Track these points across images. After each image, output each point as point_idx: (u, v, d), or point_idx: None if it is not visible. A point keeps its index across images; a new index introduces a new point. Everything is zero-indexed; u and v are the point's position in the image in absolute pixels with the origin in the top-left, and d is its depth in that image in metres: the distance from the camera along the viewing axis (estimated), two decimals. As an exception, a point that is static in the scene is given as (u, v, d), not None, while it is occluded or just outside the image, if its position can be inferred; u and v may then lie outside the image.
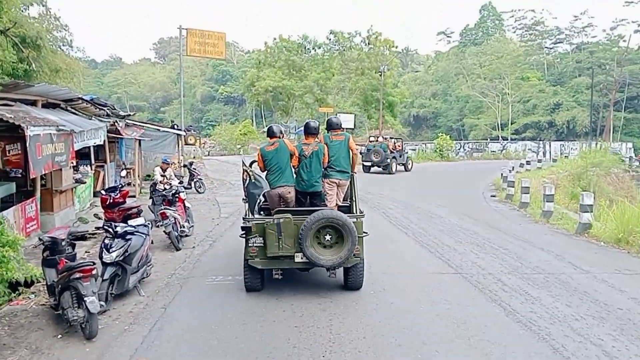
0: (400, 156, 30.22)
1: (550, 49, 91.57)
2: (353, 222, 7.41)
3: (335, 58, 47.15)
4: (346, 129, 23.54)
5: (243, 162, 8.58)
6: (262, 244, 7.49)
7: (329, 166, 8.35)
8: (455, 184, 26.33)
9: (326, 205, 8.21)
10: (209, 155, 41.65)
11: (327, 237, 7.40)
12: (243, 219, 7.93)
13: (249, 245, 7.57)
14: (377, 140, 30.28)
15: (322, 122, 50.53)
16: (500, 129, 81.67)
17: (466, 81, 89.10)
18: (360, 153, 26.73)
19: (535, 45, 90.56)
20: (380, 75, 43.52)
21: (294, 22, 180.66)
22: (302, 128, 9.21)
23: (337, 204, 8.40)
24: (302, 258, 7.44)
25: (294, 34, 52.09)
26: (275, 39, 47.84)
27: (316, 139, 8.36)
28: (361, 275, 7.90)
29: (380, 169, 28.94)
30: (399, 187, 24.11)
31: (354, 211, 8.25)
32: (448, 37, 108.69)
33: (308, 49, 47.19)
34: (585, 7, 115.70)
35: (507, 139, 70.24)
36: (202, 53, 28.89)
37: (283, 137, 8.61)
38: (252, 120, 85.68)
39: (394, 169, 28.89)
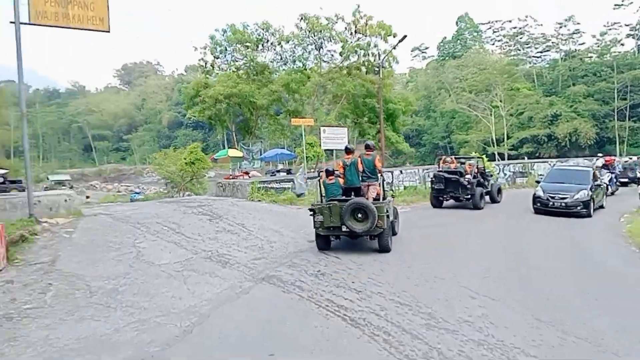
0: (485, 182, 19.93)
1: (538, 57, 78.64)
2: (375, 206, 10.71)
3: (310, 53, 31.27)
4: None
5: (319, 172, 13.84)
6: (321, 219, 11.05)
7: (363, 174, 11.84)
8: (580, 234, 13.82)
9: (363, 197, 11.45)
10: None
11: (359, 215, 10.77)
12: (311, 204, 11.55)
13: (315, 220, 11.15)
14: (451, 162, 20.08)
15: (296, 139, 34.24)
16: (495, 144, 68.31)
17: (449, 95, 76.33)
18: (432, 182, 19.24)
19: (521, 55, 77.66)
20: (376, 74, 28.61)
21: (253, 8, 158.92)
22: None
23: (373, 197, 11.63)
24: (345, 228, 10.88)
25: (250, 22, 35.02)
26: (224, 30, 31.74)
27: (352, 156, 12.02)
28: (386, 241, 11.08)
29: (455, 201, 19.32)
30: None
31: (380, 199, 11.61)
32: (423, 52, 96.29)
33: (271, 42, 31.33)
34: (570, 13, 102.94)
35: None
36: (59, 19, 13.09)
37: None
38: (224, 145, 70.38)
39: (481, 203, 18.67)
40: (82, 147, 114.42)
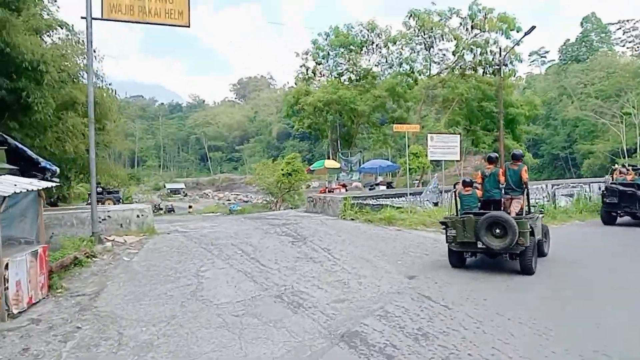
0: None
1: (680, 57, 68.65)
2: (516, 221, 9.38)
3: (419, 53, 27.90)
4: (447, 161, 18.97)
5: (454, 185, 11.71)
6: (454, 234, 9.96)
7: (506, 186, 10.77)
8: None
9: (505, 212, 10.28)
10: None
11: (497, 230, 9.50)
12: (444, 217, 10.63)
13: (447, 234, 10.12)
14: (628, 173, 18.03)
15: (400, 149, 31.21)
16: (626, 155, 60.55)
17: (572, 102, 69.00)
18: (603, 196, 16.95)
19: (658, 56, 68.56)
20: (496, 74, 24.77)
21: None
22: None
23: (516, 212, 10.44)
24: (481, 244, 9.62)
25: (355, 24, 30.78)
26: (326, 34, 29.35)
27: (494, 166, 10.99)
28: (529, 262, 9.50)
29: (632, 218, 16.83)
30: None
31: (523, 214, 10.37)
32: (542, 57, 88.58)
33: (376, 44, 28.46)
34: None
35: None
36: (135, 13, 11.73)
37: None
38: (329, 156, 69.06)
39: None
40: (199, 157, 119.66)
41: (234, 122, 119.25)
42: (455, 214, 10.80)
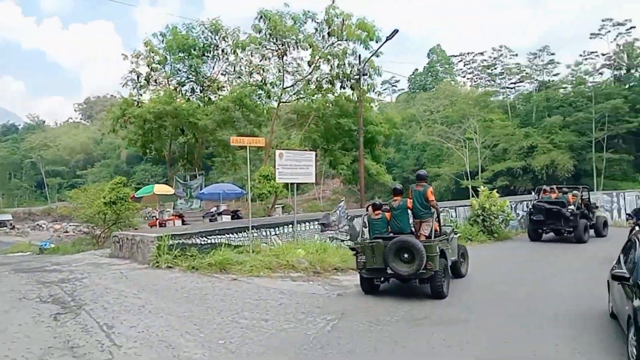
0: (590, 214, 17.83)
1: (511, 88, 74.40)
2: (424, 245, 9.07)
3: (271, 61, 23.51)
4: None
5: (367, 208, 10.69)
6: (364, 260, 9.43)
7: (413, 209, 10.09)
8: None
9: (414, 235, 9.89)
10: None
11: (405, 255, 9.06)
12: (354, 242, 10.47)
13: (357, 260, 9.64)
14: (552, 191, 18.13)
15: (254, 163, 26.87)
16: (469, 177, 63.31)
17: (420, 128, 71.25)
18: (530, 214, 17.04)
19: (494, 86, 73.69)
20: (355, 88, 21.60)
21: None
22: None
23: (426, 235, 9.83)
24: (390, 270, 9.21)
25: (196, 24, 24.99)
26: (162, 34, 24.09)
27: (400, 198, 10.12)
28: (440, 286, 9.20)
29: (555, 234, 17.37)
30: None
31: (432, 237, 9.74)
32: (393, 85, 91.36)
33: (222, 49, 23.75)
34: (545, 44, 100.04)
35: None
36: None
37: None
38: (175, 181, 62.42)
39: (585, 236, 16.59)
40: (35, 183, 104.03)
41: (77, 144, 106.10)
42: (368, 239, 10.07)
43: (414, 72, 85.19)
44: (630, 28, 61.15)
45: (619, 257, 7.81)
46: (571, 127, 62.92)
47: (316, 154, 17.62)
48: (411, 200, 10.10)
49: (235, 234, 12.07)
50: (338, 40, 22.41)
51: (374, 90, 24.37)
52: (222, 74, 24.33)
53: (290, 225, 12.70)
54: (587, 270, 12.15)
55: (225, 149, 24.51)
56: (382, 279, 9.82)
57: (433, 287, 9.23)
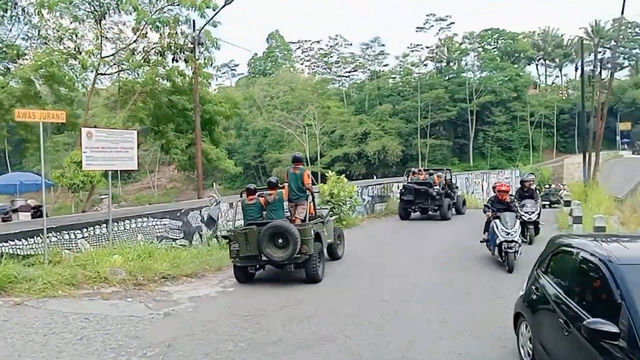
0: (452, 194, 19.11)
1: (346, 77, 76.73)
2: (298, 229, 8.76)
3: (85, 25, 19.00)
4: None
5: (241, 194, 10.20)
6: (237, 248, 8.90)
7: (289, 192, 9.77)
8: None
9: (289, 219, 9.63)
10: None
11: (280, 241, 8.74)
12: (227, 231, 9.73)
13: (230, 249, 9.01)
14: (419, 173, 19.31)
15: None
16: (309, 163, 64.02)
17: (261, 113, 70.07)
18: (401, 194, 18.00)
19: (331, 74, 75.38)
20: (189, 61, 18.72)
21: None
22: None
23: (301, 218, 9.60)
24: (264, 257, 8.82)
25: None
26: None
27: (275, 191, 9.46)
28: (314, 270, 8.94)
29: (422, 213, 18.48)
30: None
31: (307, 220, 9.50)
32: (232, 69, 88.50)
33: (23, 9, 18.87)
34: (375, 35, 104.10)
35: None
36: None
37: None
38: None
39: (449, 214, 17.84)
40: None
41: None
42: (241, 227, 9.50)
43: (253, 57, 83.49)
44: (451, 24, 66.76)
45: (542, 281, 5.01)
46: (400, 115, 67.10)
47: (144, 136, 14.66)
48: (287, 185, 9.81)
49: (24, 240, 8.89)
50: (169, 5, 19.24)
51: (211, 65, 21.70)
52: (23, 39, 19.55)
53: (104, 225, 9.83)
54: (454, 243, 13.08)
55: (28, 130, 19.82)
56: (257, 266, 9.44)
57: (308, 271, 9.04)
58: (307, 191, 9.85)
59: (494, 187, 12.37)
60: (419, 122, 64.82)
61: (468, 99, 64.47)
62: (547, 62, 75.89)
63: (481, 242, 10.90)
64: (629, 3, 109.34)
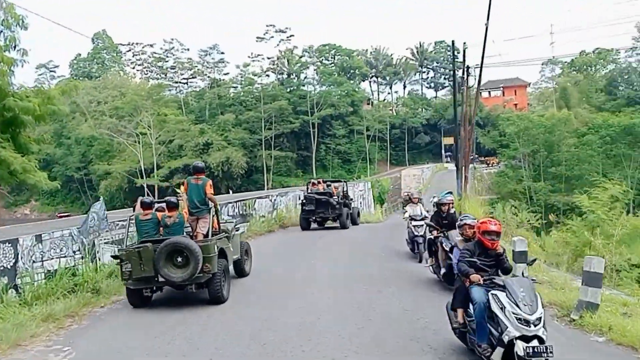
0: (350, 204, 20.31)
1: (184, 84, 71.79)
2: (199, 245, 7.93)
3: None
4: None
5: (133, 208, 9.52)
6: (130, 269, 7.89)
7: (190, 205, 8.81)
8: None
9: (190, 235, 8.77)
10: None
11: (179, 259, 7.87)
12: (118, 250, 8.71)
13: (122, 270, 7.98)
14: (319, 184, 19.94)
15: None
16: (144, 175, 58.04)
17: (86, 120, 61.99)
18: (303, 205, 18.55)
19: (166, 80, 69.78)
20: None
21: None
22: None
23: (203, 233, 8.71)
24: (162, 277, 7.90)
25: None
26: None
27: (176, 212, 8.50)
28: (218, 289, 8.19)
29: (319, 225, 19.01)
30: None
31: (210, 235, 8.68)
32: (52, 71, 77.26)
33: None
34: (214, 42, 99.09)
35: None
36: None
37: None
38: None
39: (347, 222, 18.69)
40: None
41: None
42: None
43: (76, 57, 73.70)
44: (290, 36, 66.02)
45: None
46: (243, 126, 64.33)
47: None
48: (186, 197, 8.97)
49: None
50: None
51: (15, 48, 16.46)
52: None
53: None
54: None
55: None
56: (154, 288, 8.41)
57: (211, 291, 8.27)
58: (211, 203, 8.93)
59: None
60: (264, 133, 62.74)
61: (310, 112, 64.36)
62: (379, 79, 79.82)
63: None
64: (449, 27, 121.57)
